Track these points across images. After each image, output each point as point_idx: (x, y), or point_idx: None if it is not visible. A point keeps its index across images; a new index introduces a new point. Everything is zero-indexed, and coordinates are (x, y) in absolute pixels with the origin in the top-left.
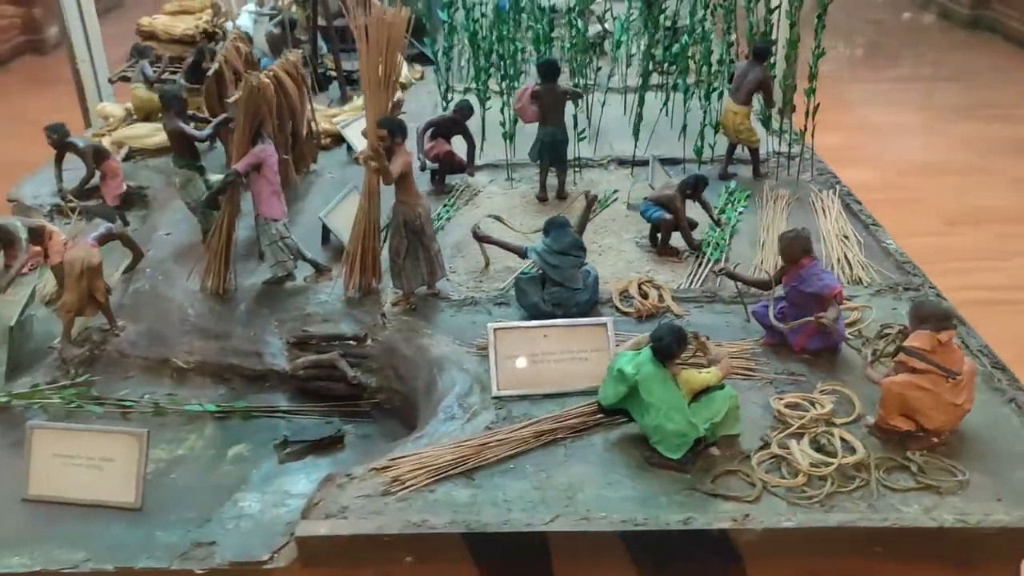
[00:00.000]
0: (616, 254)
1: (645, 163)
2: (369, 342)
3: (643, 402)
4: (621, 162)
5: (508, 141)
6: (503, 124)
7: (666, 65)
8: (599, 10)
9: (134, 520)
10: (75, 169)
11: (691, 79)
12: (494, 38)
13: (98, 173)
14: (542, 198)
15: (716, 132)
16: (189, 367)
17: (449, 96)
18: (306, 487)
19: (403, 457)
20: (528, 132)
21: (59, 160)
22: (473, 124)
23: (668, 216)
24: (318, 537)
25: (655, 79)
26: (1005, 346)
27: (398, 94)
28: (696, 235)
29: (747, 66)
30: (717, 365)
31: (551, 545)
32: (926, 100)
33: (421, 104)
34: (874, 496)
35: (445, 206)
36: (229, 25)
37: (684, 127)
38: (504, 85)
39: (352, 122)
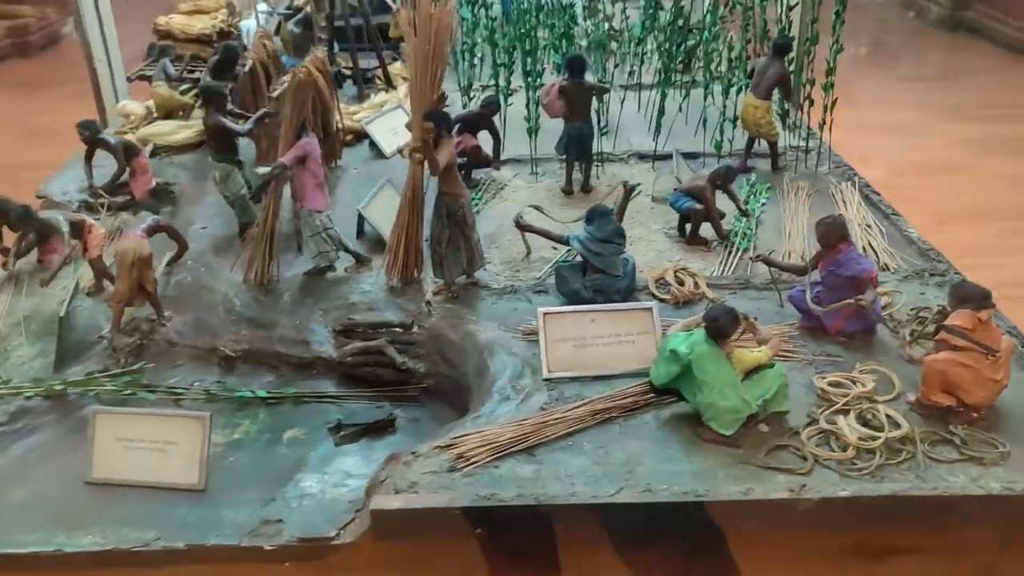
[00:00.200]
0: (646, 244)
1: (666, 157)
2: (415, 329)
3: (696, 380)
4: (641, 156)
5: (533, 136)
6: (527, 119)
7: (679, 62)
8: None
9: (198, 501)
10: (99, 166)
11: (703, 75)
12: (515, 35)
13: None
14: (567, 191)
15: (735, 126)
16: (236, 355)
17: (471, 93)
18: (363, 468)
19: (465, 436)
20: (548, 128)
21: (89, 157)
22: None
23: (699, 206)
24: (392, 511)
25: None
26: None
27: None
28: (723, 225)
29: (767, 62)
30: (767, 344)
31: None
32: (919, 100)
33: None
34: (921, 468)
35: (473, 200)
36: (243, 24)
37: (704, 121)
38: (528, 81)
39: (375, 119)
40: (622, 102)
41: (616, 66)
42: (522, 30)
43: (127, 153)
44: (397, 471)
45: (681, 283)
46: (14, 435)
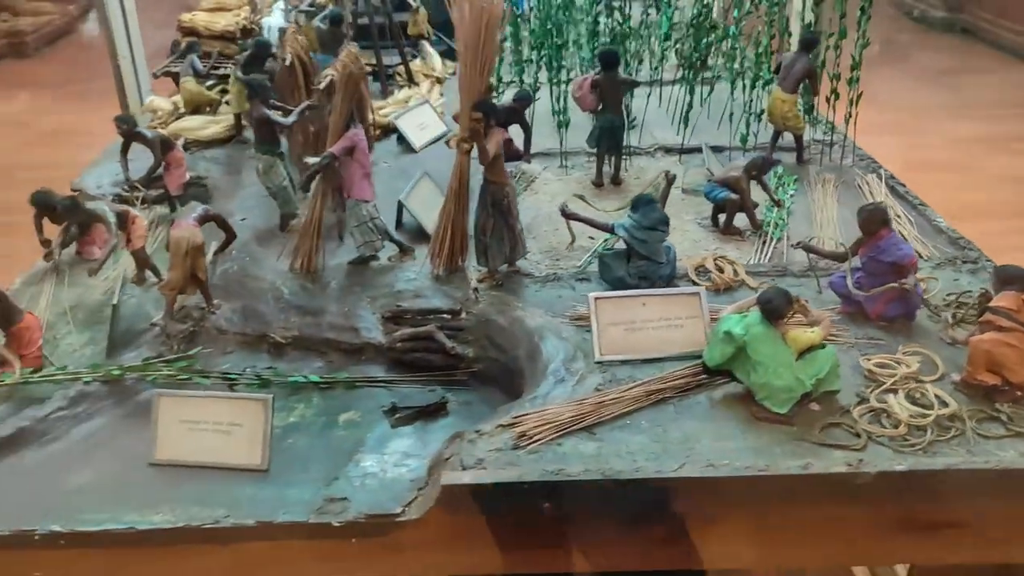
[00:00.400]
0: (680, 234)
1: (692, 151)
2: (463, 315)
3: (751, 361)
4: (667, 150)
5: (564, 129)
6: (557, 113)
7: (697, 60)
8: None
9: (262, 481)
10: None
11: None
12: (540, 32)
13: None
14: (598, 183)
15: (759, 120)
16: (287, 342)
17: (500, 88)
18: (420, 448)
19: (525, 415)
20: (576, 122)
21: (125, 150)
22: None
23: (734, 196)
24: (463, 485)
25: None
26: None
27: (436, 87)
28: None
29: (795, 56)
30: (819, 325)
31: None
32: (919, 100)
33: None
34: (971, 444)
35: None
36: (264, 21)
37: (731, 115)
38: (558, 76)
39: (403, 114)
40: (648, 96)
41: (640, 62)
42: (549, 26)
43: (163, 147)
44: (462, 448)
45: (721, 270)
46: (75, 419)
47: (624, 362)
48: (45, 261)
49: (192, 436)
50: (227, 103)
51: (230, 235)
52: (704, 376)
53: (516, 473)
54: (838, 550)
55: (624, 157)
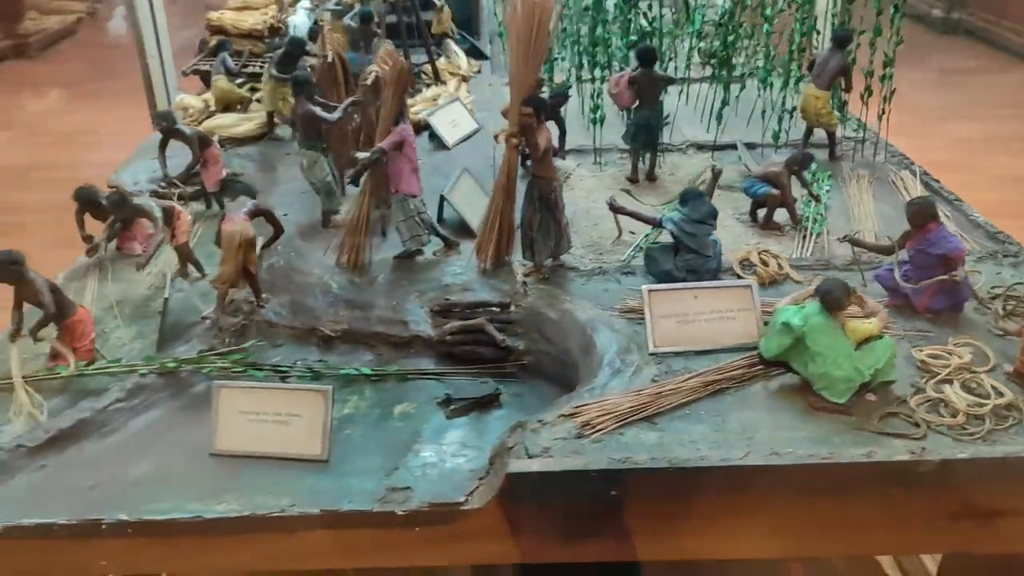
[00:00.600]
0: (721, 229)
1: (725, 147)
2: (513, 308)
3: (809, 351)
4: (699, 147)
5: (599, 125)
6: (594, 110)
7: (726, 56)
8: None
9: (322, 471)
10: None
11: (762, 67)
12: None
13: None
14: (633, 179)
15: (791, 117)
16: (337, 335)
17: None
18: (477, 439)
19: (585, 405)
20: (609, 119)
21: (163, 146)
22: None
23: (775, 191)
24: (530, 473)
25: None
26: None
27: (463, 85)
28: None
29: (828, 53)
30: (876, 316)
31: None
32: (919, 100)
33: (483, 96)
34: None
35: None
36: (290, 20)
37: (763, 112)
38: (597, 74)
39: (435, 112)
40: (680, 93)
41: (669, 60)
42: (586, 23)
43: (200, 144)
44: (525, 437)
45: (766, 264)
46: (132, 411)
47: (678, 354)
48: (88, 256)
49: (251, 427)
50: (258, 101)
51: (278, 230)
52: (759, 367)
53: (583, 461)
54: (894, 538)
55: (658, 154)
